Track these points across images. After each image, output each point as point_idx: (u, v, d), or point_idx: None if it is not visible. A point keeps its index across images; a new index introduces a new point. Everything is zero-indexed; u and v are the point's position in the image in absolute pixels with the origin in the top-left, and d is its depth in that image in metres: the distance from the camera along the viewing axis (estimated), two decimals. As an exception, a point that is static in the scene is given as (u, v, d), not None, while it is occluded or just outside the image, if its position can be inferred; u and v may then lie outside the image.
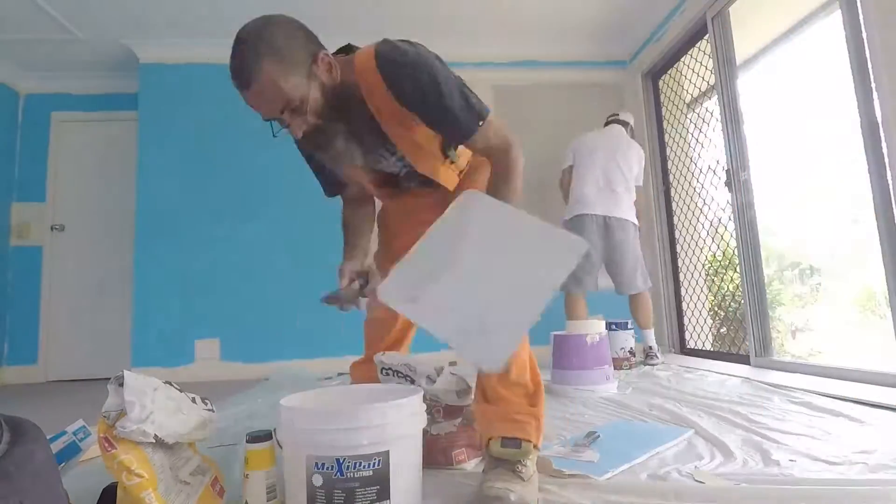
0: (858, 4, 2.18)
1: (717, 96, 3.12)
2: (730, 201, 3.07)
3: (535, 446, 1.12)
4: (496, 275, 0.90)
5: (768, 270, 3.62)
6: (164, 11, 3.41)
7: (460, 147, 1.21)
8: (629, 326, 3.19)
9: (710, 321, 3.60)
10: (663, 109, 3.90)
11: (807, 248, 4.99)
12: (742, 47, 3.23)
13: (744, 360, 2.97)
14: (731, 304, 3.53)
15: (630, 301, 3.21)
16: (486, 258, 0.92)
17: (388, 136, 1.14)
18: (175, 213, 3.66)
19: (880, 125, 2.10)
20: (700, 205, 3.58)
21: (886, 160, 2.06)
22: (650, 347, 3.14)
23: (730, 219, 3.11)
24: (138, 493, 0.84)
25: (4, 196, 3.93)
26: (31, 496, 0.62)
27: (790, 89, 4.20)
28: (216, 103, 3.72)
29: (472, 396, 1.38)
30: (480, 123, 1.06)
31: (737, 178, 3.00)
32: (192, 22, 3.55)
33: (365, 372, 1.50)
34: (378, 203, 1.45)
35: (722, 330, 3.63)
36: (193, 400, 1.04)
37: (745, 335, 2.99)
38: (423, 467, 0.99)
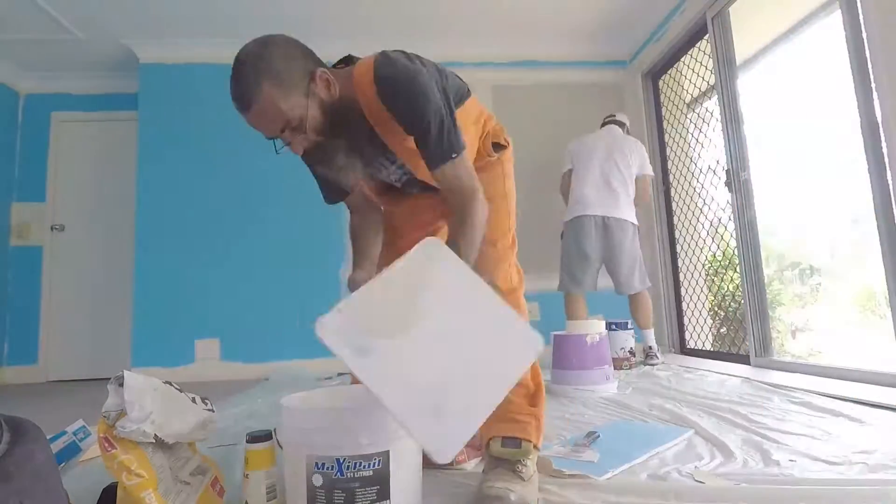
0: (858, 4, 2.19)
1: (717, 96, 3.12)
2: (730, 201, 3.07)
3: (535, 446, 1.12)
4: (454, 349, 0.82)
5: (768, 270, 3.62)
6: (164, 11, 3.41)
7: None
8: (629, 326, 3.19)
9: (710, 321, 3.60)
10: (663, 109, 3.90)
11: (807, 248, 4.99)
12: (742, 47, 3.23)
13: (744, 360, 2.97)
14: (731, 304, 3.53)
15: (630, 301, 3.21)
16: (445, 326, 0.83)
17: (388, 146, 1.14)
18: (175, 213, 3.67)
19: (880, 125, 2.10)
20: (700, 205, 3.58)
21: (886, 160, 2.06)
22: (650, 347, 3.14)
23: (730, 219, 3.12)
24: (138, 493, 0.84)
25: (4, 196, 3.93)
26: (31, 496, 0.62)
27: (790, 89, 4.20)
28: (216, 103, 3.67)
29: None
30: (454, 156, 1.04)
31: (737, 178, 3.00)
32: (192, 22, 3.56)
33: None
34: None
35: (722, 330, 3.63)
36: (193, 400, 1.04)
37: (745, 335, 2.99)
38: (423, 467, 0.99)
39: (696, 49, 3.46)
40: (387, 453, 0.88)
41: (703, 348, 3.51)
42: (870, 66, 2.15)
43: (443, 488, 1.13)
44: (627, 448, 1.38)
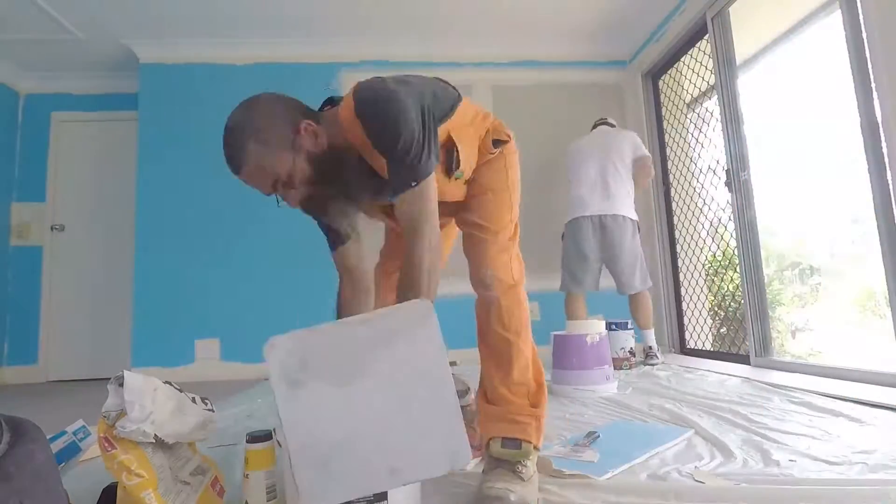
0: (858, 4, 2.19)
1: (717, 96, 3.12)
2: (730, 201, 3.07)
3: (535, 447, 1.12)
4: (376, 421, 0.79)
5: (768, 270, 3.62)
6: (164, 11, 3.41)
7: (466, 162, 1.21)
8: (629, 326, 3.19)
9: (710, 321, 3.60)
10: (663, 109, 3.90)
11: (807, 248, 5.00)
12: (742, 47, 3.23)
13: (744, 360, 2.97)
14: (731, 304, 3.53)
15: (630, 301, 3.21)
16: (382, 396, 0.80)
17: (383, 175, 1.13)
18: (175, 213, 3.67)
19: (880, 125, 2.10)
20: (700, 205, 3.58)
21: (886, 160, 2.06)
22: (650, 347, 3.14)
23: (730, 219, 3.12)
24: (138, 493, 0.84)
25: (4, 196, 3.93)
26: (31, 496, 0.62)
27: (790, 89, 4.20)
28: (216, 103, 3.67)
29: (472, 397, 1.39)
30: (413, 184, 1.03)
31: (737, 178, 3.00)
32: (192, 22, 3.55)
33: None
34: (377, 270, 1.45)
35: (722, 330, 3.63)
36: (193, 400, 1.04)
37: (745, 335, 2.99)
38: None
39: (696, 49, 3.46)
40: (386, 454, 0.87)
41: (703, 348, 3.51)
42: (870, 66, 2.15)
43: (443, 488, 1.13)
44: (627, 448, 1.38)
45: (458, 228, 1.33)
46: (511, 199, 1.27)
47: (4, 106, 3.95)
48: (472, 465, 1.30)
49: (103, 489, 1.01)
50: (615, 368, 2.65)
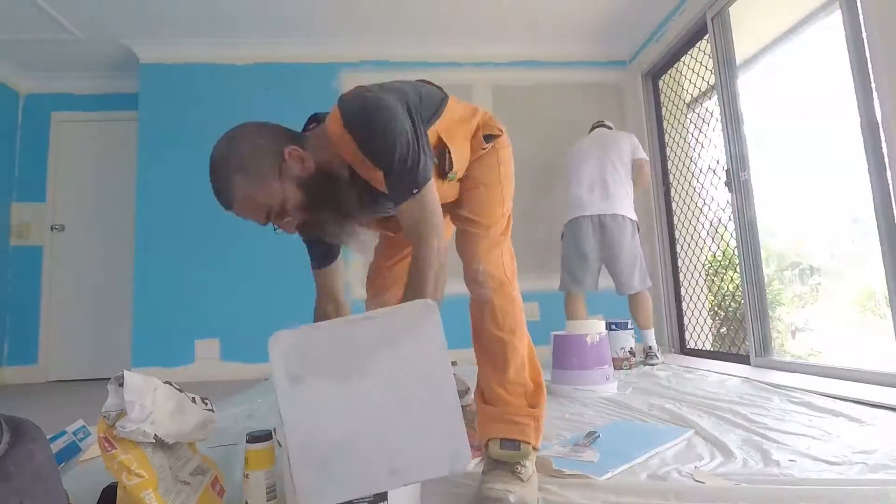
0: (858, 4, 2.19)
1: (717, 96, 3.12)
2: (730, 201, 3.07)
3: (534, 447, 1.12)
4: (376, 420, 0.78)
5: (768, 270, 3.62)
6: (164, 11, 3.41)
7: (460, 162, 1.20)
8: (629, 326, 3.19)
9: (710, 321, 3.60)
10: (663, 109, 3.90)
11: (807, 248, 5.00)
12: (742, 47, 3.23)
13: (744, 360, 2.97)
14: (731, 304, 3.53)
15: (630, 301, 3.21)
16: (383, 395, 0.79)
17: (378, 188, 1.12)
18: (175, 213, 3.66)
19: (880, 125, 2.10)
20: (700, 205, 3.58)
21: (886, 160, 2.06)
22: (650, 347, 3.14)
23: (730, 219, 3.12)
24: (138, 493, 0.84)
25: (4, 196, 3.93)
26: (31, 496, 0.62)
27: (790, 89, 4.20)
28: (216, 103, 3.73)
29: (472, 397, 1.39)
30: (414, 191, 1.01)
31: (737, 178, 3.00)
32: (192, 22, 3.55)
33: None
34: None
35: (722, 330, 3.63)
36: (193, 400, 1.04)
37: (745, 335, 2.99)
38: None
39: (696, 49, 3.46)
40: (386, 454, 0.87)
41: (703, 348, 3.51)
42: (870, 66, 2.15)
43: (442, 489, 1.13)
44: (627, 448, 1.38)
45: (452, 225, 1.33)
46: (503, 193, 1.26)
47: (4, 106, 3.95)
48: (472, 465, 1.30)
49: (103, 489, 1.01)
50: (615, 368, 2.65)
